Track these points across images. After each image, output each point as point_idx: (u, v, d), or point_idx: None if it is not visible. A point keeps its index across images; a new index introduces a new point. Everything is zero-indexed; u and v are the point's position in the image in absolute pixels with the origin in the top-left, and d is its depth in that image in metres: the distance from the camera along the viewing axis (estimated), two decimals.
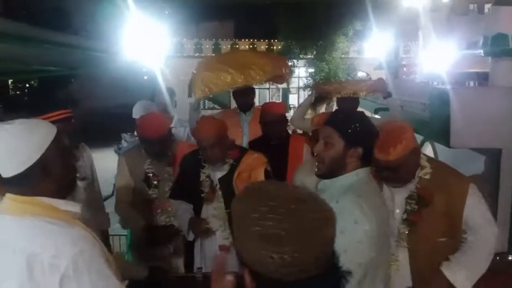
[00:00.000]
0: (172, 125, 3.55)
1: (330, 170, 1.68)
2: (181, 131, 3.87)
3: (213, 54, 14.94)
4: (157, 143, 2.80)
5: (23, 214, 1.29)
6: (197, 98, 3.47)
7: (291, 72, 3.86)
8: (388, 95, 3.43)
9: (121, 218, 3.01)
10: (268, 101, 11.19)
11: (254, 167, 2.63)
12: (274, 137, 3.20)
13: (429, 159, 2.19)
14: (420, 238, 2.05)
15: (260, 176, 2.60)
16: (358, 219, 1.51)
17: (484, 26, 3.65)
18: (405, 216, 2.09)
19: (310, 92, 3.82)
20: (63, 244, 1.25)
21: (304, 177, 2.50)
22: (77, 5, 5.07)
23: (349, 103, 3.46)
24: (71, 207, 1.37)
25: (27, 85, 23.59)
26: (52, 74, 4.61)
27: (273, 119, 3.19)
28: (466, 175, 3.86)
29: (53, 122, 2.37)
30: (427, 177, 2.09)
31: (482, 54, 3.67)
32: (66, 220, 1.32)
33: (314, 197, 0.93)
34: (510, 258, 2.57)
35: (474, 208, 2.09)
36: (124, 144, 3.50)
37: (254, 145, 3.16)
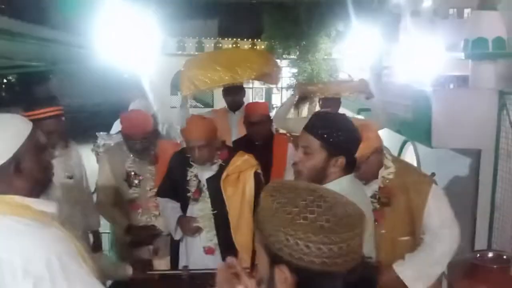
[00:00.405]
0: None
1: (310, 181, 1.55)
2: (159, 128, 3.80)
3: (197, 53, 14.87)
4: (141, 141, 2.75)
5: None
6: (184, 95, 3.46)
7: (280, 70, 3.88)
8: (370, 95, 3.44)
9: (102, 217, 2.98)
10: (251, 100, 11.18)
11: (244, 169, 2.58)
12: (259, 137, 3.19)
13: (394, 159, 2.22)
14: (382, 237, 2.07)
15: (250, 179, 2.55)
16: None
17: (465, 30, 3.71)
18: None
19: (293, 92, 3.84)
20: (35, 246, 1.19)
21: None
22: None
23: (332, 103, 3.47)
24: (46, 206, 1.31)
25: (5, 81, 23.09)
26: (34, 69, 4.52)
27: (257, 120, 3.17)
28: (446, 175, 3.97)
29: (44, 119, 2.35)
30: (391, 177, 2.11)
31: (463, 57, 3.74)
32: (41, 220, 1.25)
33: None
34: (490, 255, 2.61)
35: (435, 209, 2.14)
36: (101, 142, 3.43)
37: (238, 144, 3.11)
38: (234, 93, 3.69)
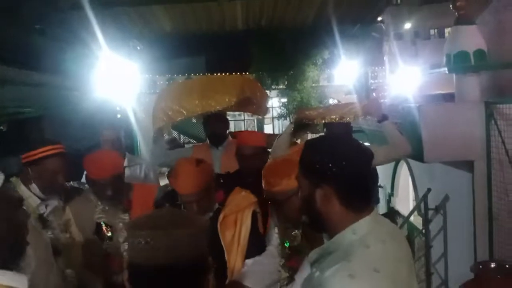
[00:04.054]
0: (125, 164, 3.01)
1: (312, 223, 1.31)
2: (136, 170, 3.36)
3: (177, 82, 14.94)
4: (109, 185, 2.35)
5: None
6: (157, 129, 3.09)
7: (266, 96, 3.51)
8: (383, 118, 2.89)
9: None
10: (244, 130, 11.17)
11: (242, 208, 2.24)
12: (252, 173, 2.60)
13: None
14: None
15: (247, 220, 2.21)
16: None
17: (446, 45, 3.82)
18: (283, 261, 2.03)
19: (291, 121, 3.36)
20: None
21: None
22: (48, 44, 5.08)
23: (339, 129, 3.00)
24: (16, 282, 1.06)
25: None
26: (26, 115, 4.54)
27: (251, 152, 2.72)
28: (442, 189, 3.98)
29: (47, 158, 2.15)
30: None
31: (447, 72, 3.83)
32: None
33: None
34: (492, 265, 2.60)
35: None
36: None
37: (229, 181, 2.57)
38: (214, 124, 3.23)
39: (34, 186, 2.21)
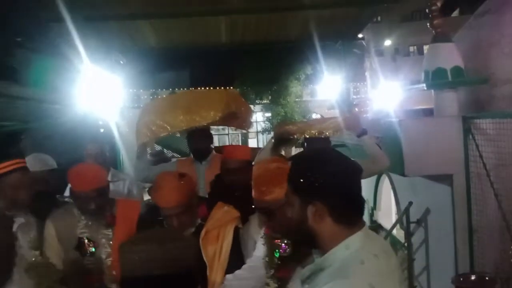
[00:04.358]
0: (108, 179, 2.93)
1: (303, 240, 1.28)
2: (120, 185, 3.30)
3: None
4: (92, 199, 2.32)
5: None
6: (140, 144, 3.08)
7: (250, 111, 3.54)
8: (362, 132, 2.96)
9: None
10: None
11: (224, 223, 2.24)
12: (238, 187, 2.60)
13: None
14: None
15: (229, 235, 2.22)
16: None
17: (424, 62, 3.92)
18: (272, 271, 2.01)
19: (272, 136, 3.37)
20: None
21: (255, 233, 2.24)
22: (28, 56, 5.04)
23: (318, 143, 3.02)
24: None
25: None
26: (5, 129, 4.47)
27: (236, 166, 2.70)
28: (423, 202, 4.04)
29: (8, 173, 2.06)
30: None
31: (425, 88, 3.92)
32: None
33: None
34: (473, 277, 2.65)
35: None
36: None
37: (214, 197, 2.58)
38: (198, 139, 3.23)
39: None
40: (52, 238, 2.38)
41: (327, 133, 3.05)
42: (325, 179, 1.17)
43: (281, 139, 3.10)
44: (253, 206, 2.35)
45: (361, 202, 1.25)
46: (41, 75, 4.86)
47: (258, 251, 2.13)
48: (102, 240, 2.38)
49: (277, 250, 2.01)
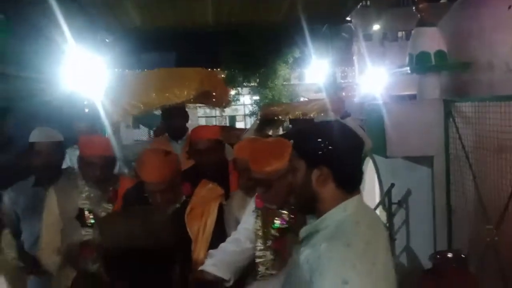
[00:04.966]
0: None
1: (304, 203, 1.35)
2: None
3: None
4: (99, 166, 2.40)
5: None
6: (114, 123, 3.08)
7: (226, 90, 3.50)
8: (345, 114, 3.02)
9: (44, 266, 2.41)
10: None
11: (208, 200, 2.28)
12: (207, 167, 2.63)
13: None
14: (284, 266, 1.92)
15: (213, 213, 2.25)
16: (349, 279, 1.13)
17: (409, 46, 3.97)
18: (269, 243, 2.03)
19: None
20: None
21: (237, 210, 2.28)
22: (11, 35, 4.95)
23: (303, 125, 3.04)
24: None
25: None
26: None
27: (204, 147, 2.65)
28: (405, 183, 4.12)
29: None
30: None
31: (409, 72, 3.98)
32: None
33: None
34: (449, 255, 2.74)
35: None
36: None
37: (186, 177, 2.46)
38: (172, 117, 3.18)
39: None
40: (53, 205, 2.42)
41: (311, 115, 3.09)
42: (333, 146, 1.26)
43: (266, 120, 3.15)
44: (225, 185, 2.51)
45: (360, 171, 1.34)
46: (24, 54, 4.79)
47: (246, 223, 2.14)
48: (102, 214, 2.42)
49: (276, 222, 2.02)
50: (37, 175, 2.74)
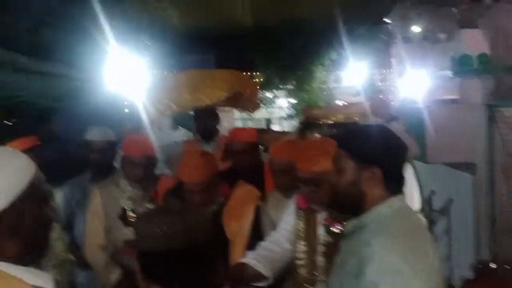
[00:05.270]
0: None
1: (350, 203, 1.35)
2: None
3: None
4: (142, 166, 2.45)
5: None
6: (154, 122, 3.16)
7: (256, 91, 3.51)
8: (391, 118, 2.90)
9: (91, 265, 2.48)
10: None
11: (246, 202, 2.27)
12: (243, 169, 2.65)
13: None
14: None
15: (250, 214, 2.23)
16: (403, 269, 1.15)
17: (451, 49, 3.86)
18: (323, 248, 1.94)
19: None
20: None
21: (273, 212, 2.27)
22: (57, 36, 5.17)
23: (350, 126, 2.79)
24: (41, 280, 0.95)
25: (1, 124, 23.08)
26: (37, 107, 4.62)
27: (240, 148, 2.69)
28: (446, 191, 4.01)
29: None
30: None
31: (451, 75, 3.87)
32: None
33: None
34: (492, 266, 2.64)
35: None
36: None
37: (223, 178, 2.47)
38: (203, 118, 3.22)
39: None
40: (97, 204, 2.50)
41: (354, 119, 3.03)
42: (385, 148, 1.30)
43: (308, 123, 3.08)
44: (259, 187, 2.46)
45: (404, 176, 1.36)
46: (70, 54, 4.98)
47: (286, 224, 2.11)
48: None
49: (327, 226, 1.96)
50: (93, 172, 2.85)
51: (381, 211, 1.28)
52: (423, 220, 1.45)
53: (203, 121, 3.23)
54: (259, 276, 1.96)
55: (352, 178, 1.31)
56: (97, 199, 2.51)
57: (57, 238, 2.24)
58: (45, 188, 1.06)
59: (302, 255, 2.02)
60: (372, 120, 3.36)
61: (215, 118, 3.29)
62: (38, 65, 3.45)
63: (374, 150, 1.29)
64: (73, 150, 3.27)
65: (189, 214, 1.29)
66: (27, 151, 2.08)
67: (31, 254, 1.01)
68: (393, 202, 1.29)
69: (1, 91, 3.61)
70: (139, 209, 2.48)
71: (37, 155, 2.17)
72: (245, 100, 3.29)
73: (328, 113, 3.15)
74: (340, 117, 3.06)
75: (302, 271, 2.01)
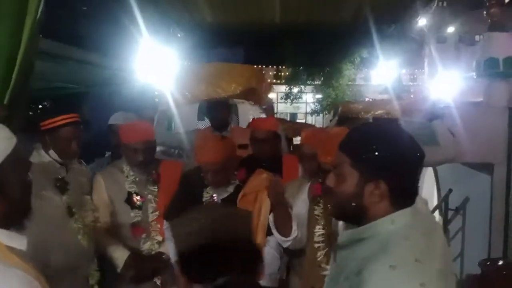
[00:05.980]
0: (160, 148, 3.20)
1: (348, 214, 1.22)
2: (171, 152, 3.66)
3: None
4: (141, 151, 2.50)
5: None
6: (161, 111, 3.35)
7: (269, 87, 3.59)
8: (433, 117, 2.80)
9: (98, 246, 2.52)
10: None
11: (262, 188, 2.33)
12: (264, 157, 2.79)
13: None
14: None
15: (266, 199, 2.29)
16: None
17: (478, 51, 3.86)
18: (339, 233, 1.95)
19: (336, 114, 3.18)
20: None
21: (293, 197, 2.32)
22: (92, 24, 5.40)
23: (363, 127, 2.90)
24: (15, 242, 1.08)
25: (40, 106, 23.97)
26: (71, 91, 4.87)
27: (263, 137, 2.81)
28: (463, 190, 4.02)
29: (63, 126, 2.24)
30: None
31: (475, 77, 3.87)
32: (4, 259, 1.02)
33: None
34: (499, 263, 2.69)
35: None
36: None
37: (242, 166, 2.62)
38: (216, 109, 3.32)
39: (52, 152, 2.31)
40: (101, 190, 2.56)
41: (394, 114, 2.97)
42: (395, 159, 1.11)
43: (345, 118, 3.10)
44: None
45: (417, 188, 1.21)
46: (104, 43, 5.21)
47: (301, 208, 2.22)
48: (148, 196, 2.59)
49: None
50: (113, 154, 3.02)
51: (381, 227, 1.13)
52: (437, 226, 1.29)
53: (215, 112, 3.36)
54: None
55: (354, 190, 1.14)
56: (100, 185, 2.57)
57: (88, 209, 2.43)
58: (25, 157, 1.21)
59: (319, 238, 2.13)
60: (413, 117, 3.27)
61: (228, 109, 3.43)
62: (75, 53, 3.65)
63: (381, 162, 1.11)
64: (100, 133, 3.46)
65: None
66: (72, 124, 2.31)
67: (14, 216, 1.12)
68: (397, 216, 1.13)
69: (42, 80, 3.83)
70: (144, 191, 2.60)
71: (80, 129, 2.37)
72: (258, 95, 3.40)
73: (368, 108, 3.08)
74: (380, 112, 3.00)
75: (320, 254, 2.12)
